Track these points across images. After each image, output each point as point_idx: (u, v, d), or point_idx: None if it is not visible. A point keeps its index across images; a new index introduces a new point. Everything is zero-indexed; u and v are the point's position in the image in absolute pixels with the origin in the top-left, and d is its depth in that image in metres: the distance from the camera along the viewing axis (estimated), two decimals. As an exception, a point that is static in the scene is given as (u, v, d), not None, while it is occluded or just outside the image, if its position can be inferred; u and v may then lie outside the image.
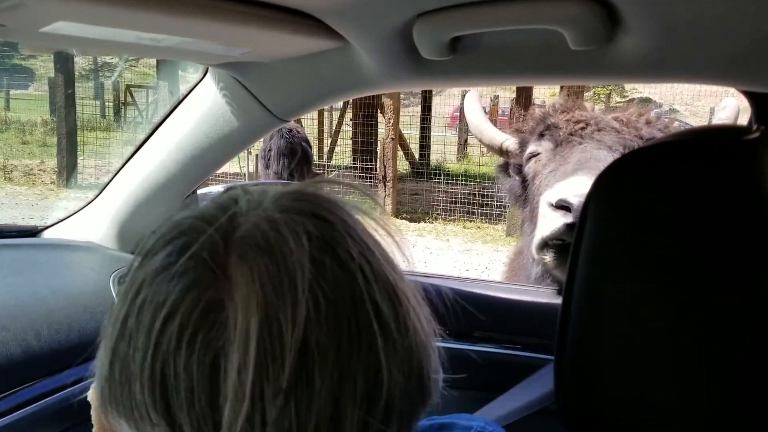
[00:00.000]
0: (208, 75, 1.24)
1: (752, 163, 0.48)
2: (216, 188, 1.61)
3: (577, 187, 1.35)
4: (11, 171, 10.82)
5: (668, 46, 0.75)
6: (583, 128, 1.73)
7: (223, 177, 9.83)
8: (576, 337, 0.52)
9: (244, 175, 8.83)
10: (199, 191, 1.57)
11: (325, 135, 12.40)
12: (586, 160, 1.56)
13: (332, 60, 1.03)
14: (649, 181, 0.50)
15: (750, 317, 0.46)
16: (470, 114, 2.11)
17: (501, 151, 2.02)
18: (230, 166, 10.09)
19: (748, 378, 0.46)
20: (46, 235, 1.48)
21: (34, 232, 1.48)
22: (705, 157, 0.49)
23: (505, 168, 2.01)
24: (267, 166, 8.03)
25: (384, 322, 0.44)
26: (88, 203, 1.46)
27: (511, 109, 8.59)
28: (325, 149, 11.78)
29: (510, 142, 1.99)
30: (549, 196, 1.42)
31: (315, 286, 0.41)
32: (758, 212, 0.47)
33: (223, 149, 1.30)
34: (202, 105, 1.26)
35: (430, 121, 11.88)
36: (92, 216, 1.44)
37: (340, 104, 11.30)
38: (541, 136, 1.78)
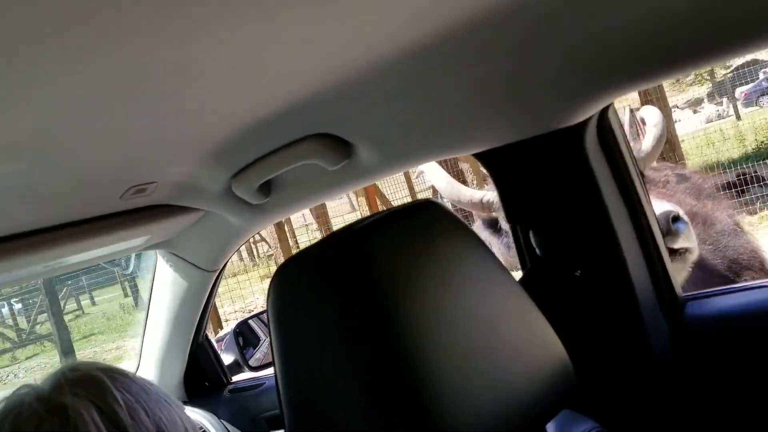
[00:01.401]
0: (159, 256, 1.41)
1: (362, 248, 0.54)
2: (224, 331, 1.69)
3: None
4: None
5: (393, 148, 0.97)
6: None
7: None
8: (290, 408, 0.56)
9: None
10: (217, 336, 1.66)
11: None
12: None
13: (211, 223, 1.25)
14: (308, 277, 0.55)
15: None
16: (438, 181, 1.98)
17: (483, 206, 1.96)
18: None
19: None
20: None
21: None
22: (333, 253, 0.54)
23: (493, 223, 1.96)
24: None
25: None
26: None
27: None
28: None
29: (491, 195, 1.93)
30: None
31: None
32: (371, 296, 0.51)
33: (188, 314, 1.44)
34: (166, 281, 1.42)
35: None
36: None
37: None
38: None
